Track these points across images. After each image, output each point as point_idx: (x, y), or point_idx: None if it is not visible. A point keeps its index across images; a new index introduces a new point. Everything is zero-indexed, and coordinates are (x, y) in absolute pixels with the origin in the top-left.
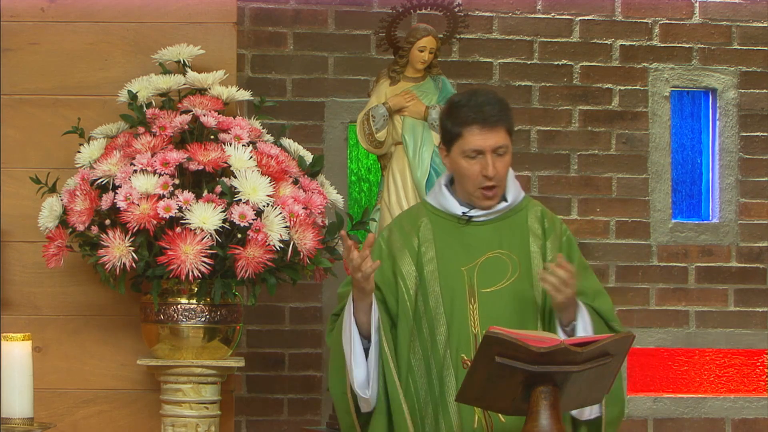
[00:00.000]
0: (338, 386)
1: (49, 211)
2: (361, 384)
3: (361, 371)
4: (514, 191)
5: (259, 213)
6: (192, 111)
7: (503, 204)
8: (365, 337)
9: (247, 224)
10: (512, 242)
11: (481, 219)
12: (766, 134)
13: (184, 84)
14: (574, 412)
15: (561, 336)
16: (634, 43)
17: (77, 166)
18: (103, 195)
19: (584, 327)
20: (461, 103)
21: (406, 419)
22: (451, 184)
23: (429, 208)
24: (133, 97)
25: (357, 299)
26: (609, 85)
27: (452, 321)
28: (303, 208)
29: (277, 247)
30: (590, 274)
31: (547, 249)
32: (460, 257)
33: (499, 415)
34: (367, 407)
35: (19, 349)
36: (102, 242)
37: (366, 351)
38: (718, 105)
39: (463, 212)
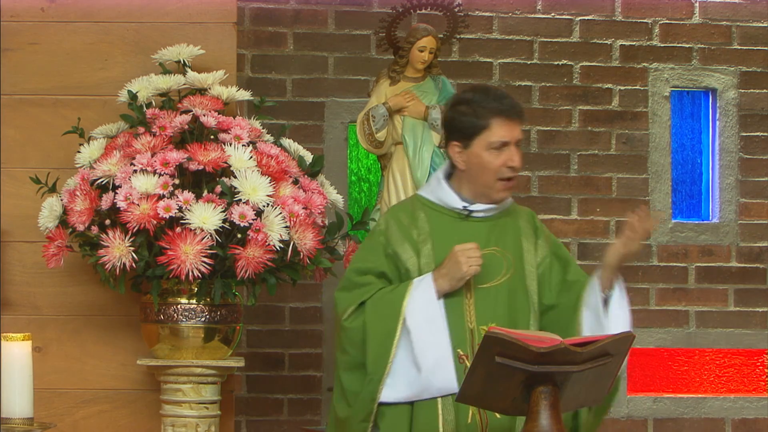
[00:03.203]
0: (377, 366)
1: (49, 211)
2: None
3: (445, 350)
4: None
5: (259, 213)
6: (192, 111)
7: (507, 201)
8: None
9: (247, 224)
10: (506, 241)
11: (480, 215)
12: (766, 134)
13: (184, 84)
14: None
15: (597, 298)
16: (634, 43)
17: (77, 166)
18: (103, 195)
19: (619, 303)
20: (480, 97)
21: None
22: (448, 178)
23: (424, 202)
24: (133, 97)
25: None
26: (609, 85)
27: (449, 315)
28: (303, 208)
29: (277, 247)
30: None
31: (538, 248)
32: None
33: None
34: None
35: (19, 349)
36: (102, 242)
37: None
38: (718, 105)
39: (464, 206)
